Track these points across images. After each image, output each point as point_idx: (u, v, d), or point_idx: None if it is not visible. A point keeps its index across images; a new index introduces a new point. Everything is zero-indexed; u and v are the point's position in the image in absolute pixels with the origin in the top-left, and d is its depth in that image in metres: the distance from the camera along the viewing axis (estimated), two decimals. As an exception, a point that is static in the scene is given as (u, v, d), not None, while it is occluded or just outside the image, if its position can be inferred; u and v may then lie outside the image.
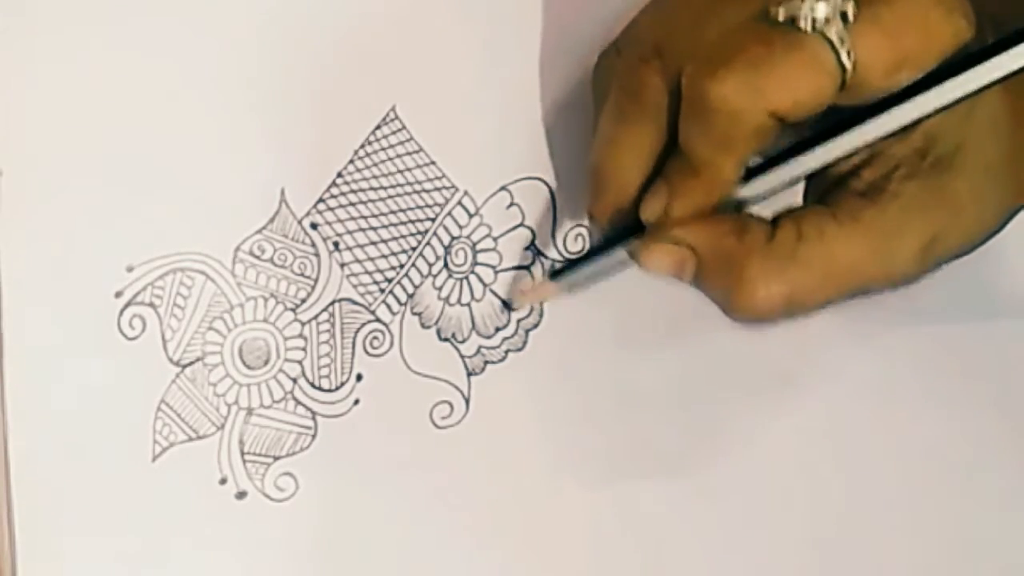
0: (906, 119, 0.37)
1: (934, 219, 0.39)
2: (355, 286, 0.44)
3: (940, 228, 0.39)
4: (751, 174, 0.39)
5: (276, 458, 0.43)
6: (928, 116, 0.37)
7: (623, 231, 0.40)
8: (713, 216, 0.39)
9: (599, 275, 0.42)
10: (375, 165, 0.44)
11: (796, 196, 0.41)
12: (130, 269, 0.42)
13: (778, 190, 0.39)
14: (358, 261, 0.44)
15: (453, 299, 0.44)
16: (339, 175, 0.44)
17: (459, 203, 0.44)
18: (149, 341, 0.42)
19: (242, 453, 0.43)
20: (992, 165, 0.39)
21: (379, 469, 0.44)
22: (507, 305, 0.44)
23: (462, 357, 0.44)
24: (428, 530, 0.44)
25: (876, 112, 0.37)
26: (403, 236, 0.44)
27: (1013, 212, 0.40)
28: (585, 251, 0.43)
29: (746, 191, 0.39)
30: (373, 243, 0.44)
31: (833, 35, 0.36)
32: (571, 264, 0.42)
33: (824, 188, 0.40)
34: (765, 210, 0.40)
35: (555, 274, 0.43)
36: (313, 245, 0.43)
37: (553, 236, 0.45)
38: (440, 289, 0.44)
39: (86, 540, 0.42)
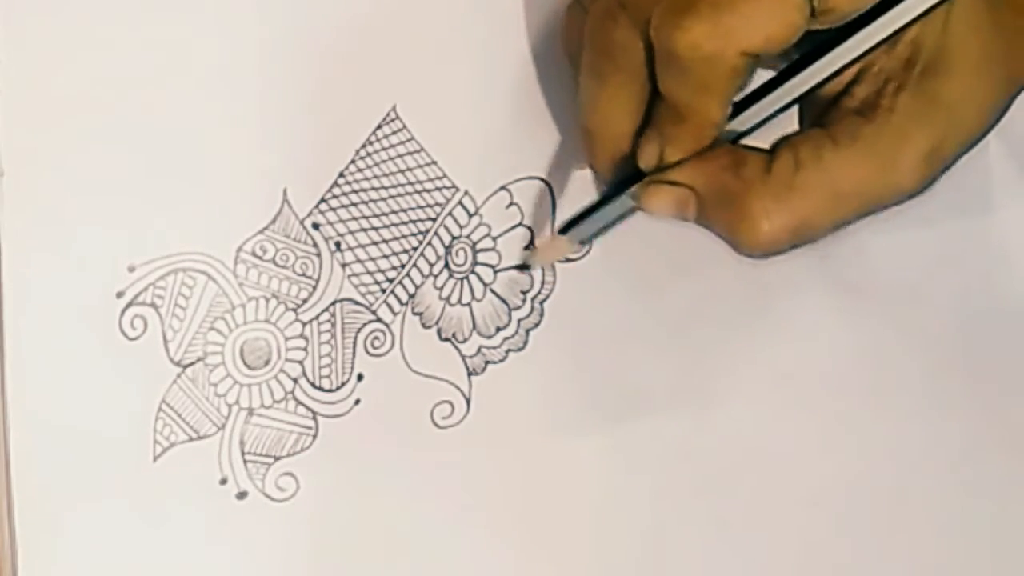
0: (887, 32, 0.37)
1: (932, 127, 0.39)
2: (356, 286, 0.44)
3: (939, 135, 0.39)
4: (741, 107, 0.39)
5: (277, 458, 0.43)
6: (908, 25, 0.37)
7: (626, 178, 0.40)
8: (709, 153, 0.39)
9: (607, 225, 0.42)
10: (376, 165, 0.44)
11: (793, 120, 0.40)
12: (132, 269, 0.42)
13: (771, 119, 0.39)
14: (359, 261, 0.44)
15: (454, 299, 0.44)
16: (341, 175, 0.44)
17: (459, 203, 0.44)
18: (150, 341, 0.42)
19: (243, 453, 0.43)
20: (979, 61, 0.39)
21: (380, 469, 0.43)
22: (523, 268, 0.44)
23: (463, 357, 0.44)
24: (429, 530, 0.44)
25: (855, 29, 0.37)
26: (404, 236, 0.44)
27: (1010, 100, 0.40)
28: (591, 202, 0.42)
29: (738, 124, 0.39)
30: (374, 243, 0.44)
31: None
32: (579, 217, 0.42)
33: (819, 109, 0.40)
34: (768, 135, 0.40)
35: (564, 229, 0.43)
36: (315, 245, 0.43)
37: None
38: (441, 289, 0.44)
39: (86, 540, 0.42)
